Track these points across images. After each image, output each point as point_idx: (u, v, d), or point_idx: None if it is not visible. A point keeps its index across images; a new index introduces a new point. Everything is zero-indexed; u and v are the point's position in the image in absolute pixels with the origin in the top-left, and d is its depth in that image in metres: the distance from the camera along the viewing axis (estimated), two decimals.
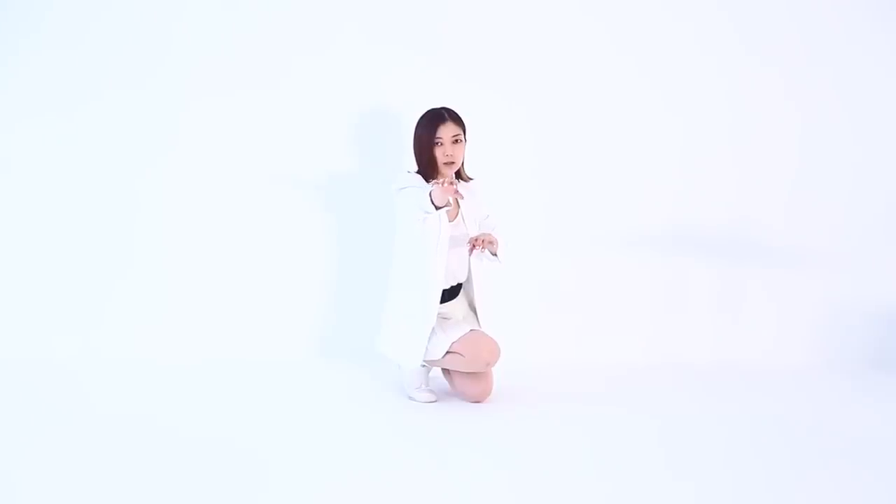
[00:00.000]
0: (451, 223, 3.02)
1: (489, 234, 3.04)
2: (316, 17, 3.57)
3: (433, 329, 2.97)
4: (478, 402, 3.01)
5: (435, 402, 3.02)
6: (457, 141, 3.00)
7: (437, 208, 2.80)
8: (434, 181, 2.88)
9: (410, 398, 3.05)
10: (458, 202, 3.04)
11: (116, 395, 2.99)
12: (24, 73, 3.49)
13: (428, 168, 3.00)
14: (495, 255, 3.06)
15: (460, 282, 3.13)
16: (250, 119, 3.58)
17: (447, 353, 2.96)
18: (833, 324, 3.81)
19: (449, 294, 3.08)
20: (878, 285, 3.81)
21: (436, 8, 3.60)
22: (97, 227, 3.56)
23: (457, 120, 3.02)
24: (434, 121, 2.99)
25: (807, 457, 2.50)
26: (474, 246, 3.02)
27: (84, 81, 3.51)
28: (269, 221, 3.62)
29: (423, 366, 3.04)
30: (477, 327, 3.10)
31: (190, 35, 3.53)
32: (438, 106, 3.03)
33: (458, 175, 3.11)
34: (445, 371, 3.13)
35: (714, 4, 3.70)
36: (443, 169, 3.01)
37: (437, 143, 2.98)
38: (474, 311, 3.17)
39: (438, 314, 3.01)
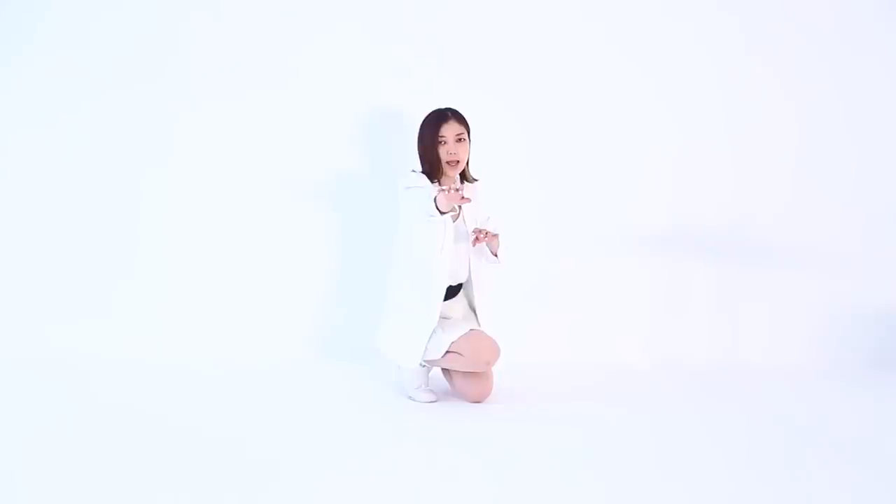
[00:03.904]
0: (453, 224, 3.02)
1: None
2: (320, 18, 3.57)
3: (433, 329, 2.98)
4: (478, 402, 3.01)
5: (435, 402, 3.02)
6: (460, 139, 3.00)
7: (442, 213, 2.79)
8: (440, 187, 2.87)
9: (410, 398, 3.05)
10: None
11: (116, 395, 2.99)
12: (26, 74, 3.50)
13: (432, 167, 3.00)
14: (496, 255, 3.07)
15: (460, 282, 3.13)
16: (252, 120, 3.58)
17: (447, 352, 2.96)
18: (833, 324, 3.81)
19: (449, 293, 3.08)
20: (878, 285, 3.81)
21: (439, 10, 3.61)
22: (98, 226, 3.56)
23: (460, 119, 3.02)
24: (437, 120, 2.99)
25: (806, 457, 2.50)
26: (478, 238, 3.01)
27: (86, 82, 3.52)
28: (269, 222, 3.62)
29: (423, 366, 3.05)
30: (476, 327, 3.10)
31: (193, 36, 3.54)
32: (442, 107, 3.04)
33: (463, 176, 3.11)
34: (445, 371, 3.14)
35: (713, 4, 3.70)
36: (446, 168, 3.01)
37: (440, 142, 2.99)
38: (474, 310, 3.16)
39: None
